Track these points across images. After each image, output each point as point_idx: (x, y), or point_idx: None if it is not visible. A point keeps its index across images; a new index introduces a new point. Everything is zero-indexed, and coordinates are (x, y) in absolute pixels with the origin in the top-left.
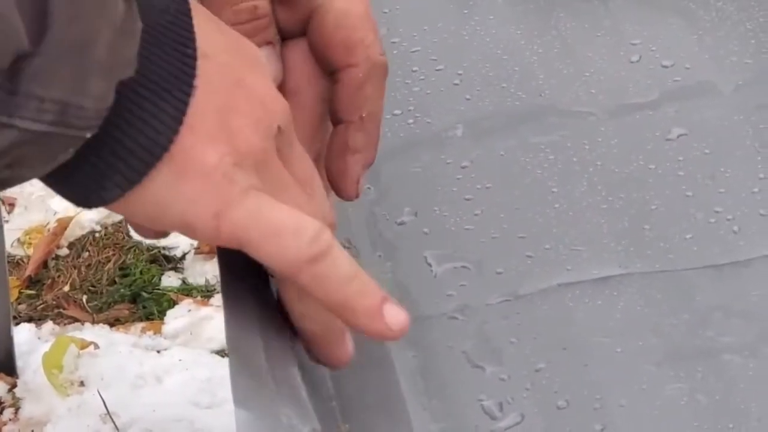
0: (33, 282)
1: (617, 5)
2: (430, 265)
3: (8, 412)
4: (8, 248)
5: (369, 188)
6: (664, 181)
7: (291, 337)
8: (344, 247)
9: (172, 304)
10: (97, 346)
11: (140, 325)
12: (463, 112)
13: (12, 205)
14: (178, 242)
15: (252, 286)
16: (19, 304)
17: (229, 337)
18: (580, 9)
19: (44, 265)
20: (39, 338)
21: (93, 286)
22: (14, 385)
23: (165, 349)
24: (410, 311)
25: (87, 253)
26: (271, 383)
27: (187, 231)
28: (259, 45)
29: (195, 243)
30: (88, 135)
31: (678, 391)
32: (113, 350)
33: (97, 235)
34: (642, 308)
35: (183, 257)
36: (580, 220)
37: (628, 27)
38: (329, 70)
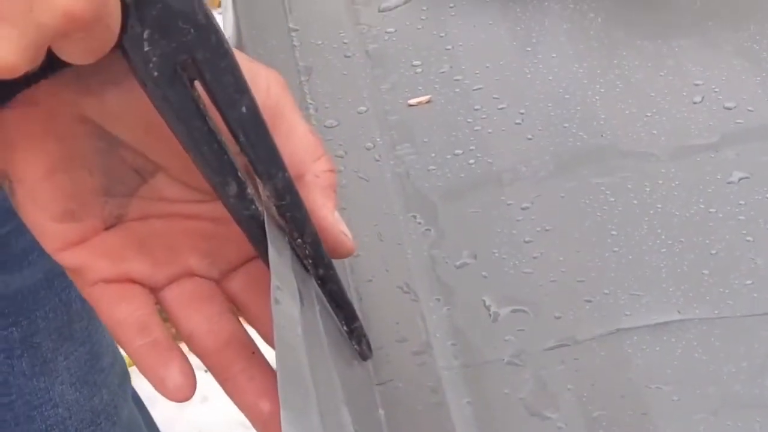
0: None
1: (681, 45)
2: (488, 309)
3: None
4: None
5: (429, 230)
6: (724, 225)
7: (339, 377)
8: (403, 292)
9: None
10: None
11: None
12: (524, 152)
13: None
14: None
15: (302, 332)
16: None
17: (282, 385)
18: (644, 48)
19: None
20: None
21: None
22: None
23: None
24: (467, 357)
25: None
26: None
27: None
28: None
29: None
30: None
31: None
32: None
33: None
34: (700, 355)
35: None
36: (639, 264)
37: (691, 67)
38: None
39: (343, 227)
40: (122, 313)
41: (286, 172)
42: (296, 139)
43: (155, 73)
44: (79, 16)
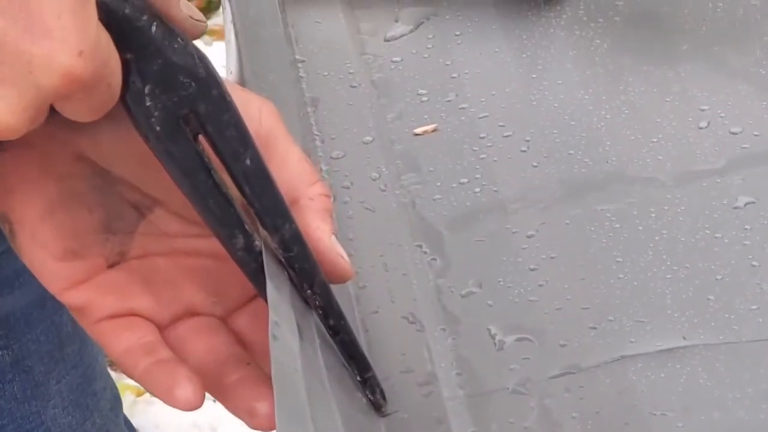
0: None
1: (687, 70)
2: (493, 337)
3: None
4: None
5: (434, 260)
6: (730, 250)
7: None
8: (408, 322)
9: None
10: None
11: None
12: (530, 180)
13: None
14: None
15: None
16: None
17: (280, 421)
18: (649, 74)
19: None
20: None
21: None
22: None
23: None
24: (472, 387)
25: None
26: None
27: None
28: None
29: None
30: None
31: None
32: None
33: None
34: (705, 381)
35: None
36: (644, 291)
37: (697, 93)
38: None
39: (340, 250)
40: (128, 341)
41: (293, 223)
42: (290, 165)
43: (158, 128)
44: (79, 77)
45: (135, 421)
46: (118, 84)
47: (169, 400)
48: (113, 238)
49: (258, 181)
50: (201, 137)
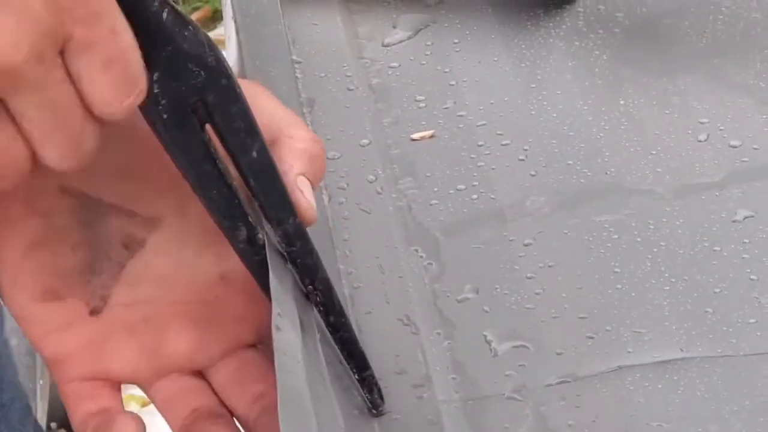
0: None
1: (686, 83)
2: (489, 343)
3: None
4: None
5: (430, 264)
6: (728, 263)
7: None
8: (403, 324)
9: None
10: None
11: None
12: (528, 189)
13: None
14: None
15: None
16: None
17: (283, 411)
18: (649, 85)
19: None
20: None
21: None
22: None
23: None
24: (467, 391)
25: None
26: None
27: None
28: None
29: None
30: None
31: None
32: None
33: None
34: (702, 393)
35: None
36: (642, 302)
37: (696, 105)
38: None
39: (304, 188)
40: (86, 409)
41: (297, 217)
42: (271, 109)
43: (165, 116)
44: None
45: None
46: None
47: None
48: (96, 279)
49: (264, 173)
50: (208, 127)
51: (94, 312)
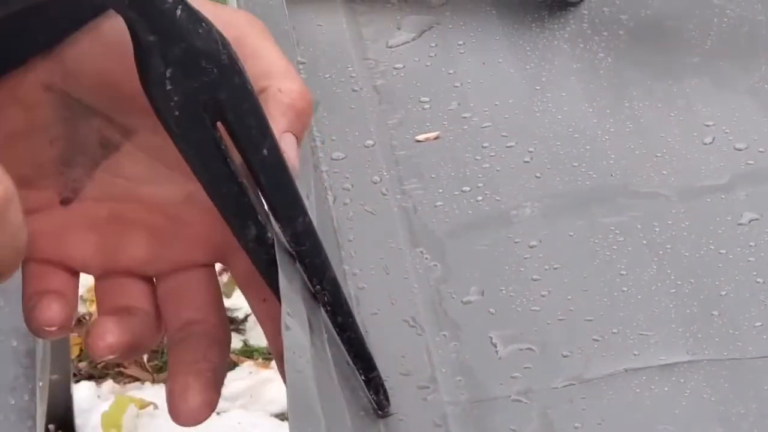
0: None
1: (691, 85)
2: (495, 345)
3: None
4: None
5: (435, 265)
6: (734, 266)
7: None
8: (409, 326)
9: (233, 365)
10: (156, 407)
11: None
12: (533, 191)
13: None
14: (241, 304)
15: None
16: (80, 361)
17: (292, 411)
18: (654, 88)
19: None
20: (99, 396)
21: None
22: None
23: (224, 411)
24: (473, 393)
25: None
26: None
27: None
28: None
29: None
30: None
31: None
32: None
33: None
34: (709, 396)
35: (245, 319)
36: (648, 304)
37: (702, 108)
38: None
39: (289, 150)
40: (36, 287)
41: (307, 216)
42: (264, 59)
43: (176, 112)
44: None
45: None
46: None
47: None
48: (69, 171)
49: (274, 171)
50: (219, 124)
51: (64, 202)
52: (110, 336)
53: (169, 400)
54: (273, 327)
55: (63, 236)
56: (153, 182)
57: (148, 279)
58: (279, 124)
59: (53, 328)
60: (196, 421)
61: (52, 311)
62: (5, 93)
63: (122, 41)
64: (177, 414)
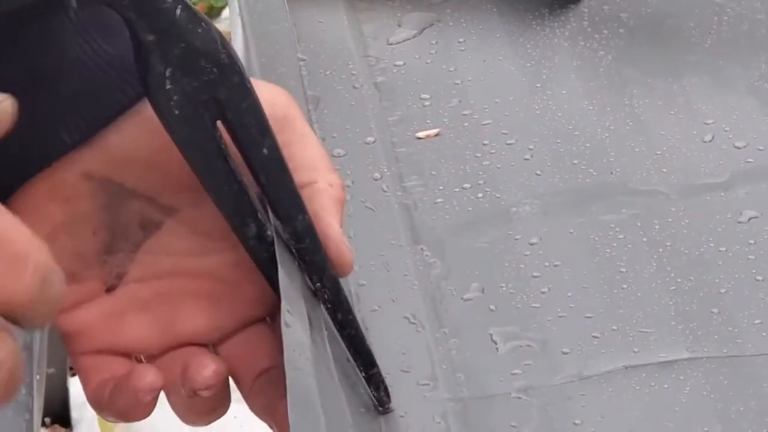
0: None
1: (692, 83)
2: (495, 342)
3: None
4: None
5: (436, 262)
6: (734, 264)
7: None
8: (409, 322)
9: None
10: None
11: None
12: (533, 188)
13: None
14: None
15: (312, 356)
16: None
17: (292, 408)
18: (654, 86)
19: None
20: None
21: None
22: None
23: None
24: (473, 390)
25: None
26: None
27: None
28: None
29: None
30: None
31: None
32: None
33: None
34: (708, 393)
35: None
36: (648, 302)
37: (701, 106)
38: None
39: (346, 241)
40: (101, 377)
41: (307, 214)
42: (310, 147)
43: (176, 112)
44: None
45: (135, 427)
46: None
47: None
48: (112, 258)
49: (274, 170)
50: (219, 123)
51: (110, 289)
52: (212, 364)
53: None
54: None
55: (115, 323)
56: (198, 254)
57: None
58: (336, 218)
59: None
60: None
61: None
62: (44, 189)
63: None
64: None
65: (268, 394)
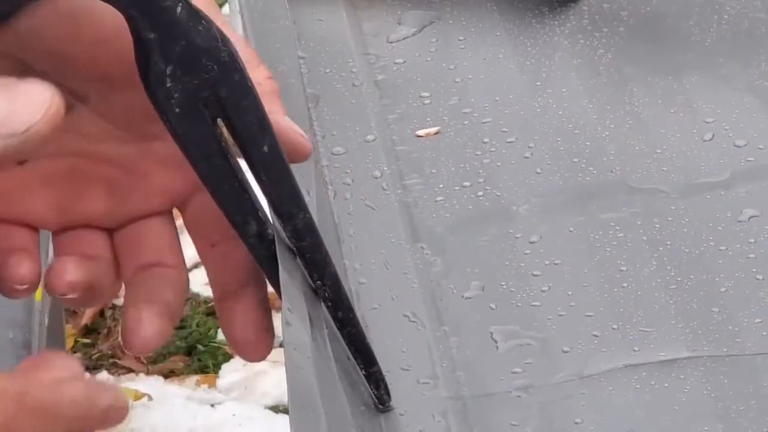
0: (89, 331)
1: (692, 82)
2: (495, 341)
3: None
4: None
5: (436, 260)
6: (734, 263)
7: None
8: (409, 321)
9: (228, 357)
10: (150, 398)
11: (195, 377)
12: (533, 186)
13: None
14: None
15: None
16: (75, 352)
17: (293, 408)
18: (654, 84)
19: (101, 314)
20: None
21: None
22: None
23: (219, 403)
24: (474, 388)
25: None
26: None
27: None
28: None
29: None
30: None
31: None
32: (167, 402)
33: None
34: (708, 392)
35: None
36: (648, 301)
37: (702, 104)
38: None
39: (296, 127)
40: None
41: (307, 213)
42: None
43: (177, 109)
44: None
45: (132, 425)
46: None
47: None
48: None
49: (274, 168)
50: (220, 121)
51: (21, 162)
52: (70, 274)
53: (123, 333)
54: (216, 270)
55: (20, 195)
56: (108, 141)
57: (105, 230)
58: (277, 111)
59: (24, 287)
60: (148, 350)
61: (23, 269)
62: None
63: (75, 12)
64: (130, 343)
65: (141, 287)
